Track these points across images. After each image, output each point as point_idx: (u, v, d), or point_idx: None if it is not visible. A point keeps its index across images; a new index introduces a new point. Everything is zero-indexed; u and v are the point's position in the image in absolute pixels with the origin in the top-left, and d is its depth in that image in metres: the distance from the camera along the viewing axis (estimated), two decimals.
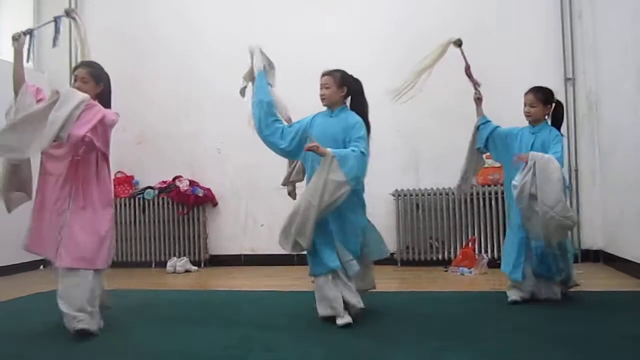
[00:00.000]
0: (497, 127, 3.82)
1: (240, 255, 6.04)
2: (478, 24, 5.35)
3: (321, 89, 3.29)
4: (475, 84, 3.84)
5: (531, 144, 3.56)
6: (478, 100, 3.87)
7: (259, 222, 6.00)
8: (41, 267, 5.94)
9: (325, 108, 3.37)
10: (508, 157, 3.67)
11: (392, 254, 5.35)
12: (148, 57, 6.27)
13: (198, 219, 6.00)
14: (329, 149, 3.04)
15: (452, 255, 5.37)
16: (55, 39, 3.52)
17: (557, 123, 3.69)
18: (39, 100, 3.02)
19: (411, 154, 5.69)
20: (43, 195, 3.05)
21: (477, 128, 3.85)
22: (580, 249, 5.30)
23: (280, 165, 3.69)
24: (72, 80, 3.21)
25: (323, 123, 3.32)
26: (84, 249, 2.97)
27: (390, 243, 5.38)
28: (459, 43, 3.74)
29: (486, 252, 5.28)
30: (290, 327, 3.15)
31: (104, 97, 3.18)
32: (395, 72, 3.79)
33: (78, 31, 3.47)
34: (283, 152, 3.41)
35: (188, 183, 6.02)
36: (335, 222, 3.14)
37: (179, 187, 5.99)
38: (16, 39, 3.09)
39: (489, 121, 3.85)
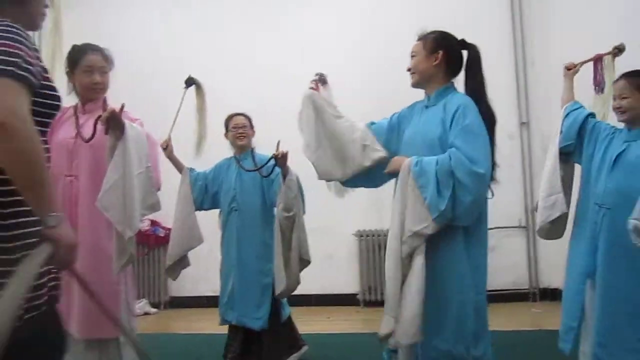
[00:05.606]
0: (592, 115, 2.65)
1: (202, 297, 5.92)
2: None
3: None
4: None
5: (616, 156, 2.43)
6: (568, 70, 2.76)
7: None
8: None
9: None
10: (590, 165, 2.60)
11: (355, 295, 5.35)
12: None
13: (159, 260, 5.88)
14: (407, 159, 2.09)
15: None
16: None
17: None
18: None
19: (373, 192, 5.74)
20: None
21: (566, 115, 2.67)
22: (539, 287, 5.41)
23: None
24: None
25: (417, 119, 2.23)
26: None
27: (353, 284, 5.41)
28: (621, 48, 2.75)
29: None
30: None
31: None
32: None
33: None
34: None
35: (149, 223, 5.93)
36: None
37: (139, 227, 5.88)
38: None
39: (581, 106, 2.69)
